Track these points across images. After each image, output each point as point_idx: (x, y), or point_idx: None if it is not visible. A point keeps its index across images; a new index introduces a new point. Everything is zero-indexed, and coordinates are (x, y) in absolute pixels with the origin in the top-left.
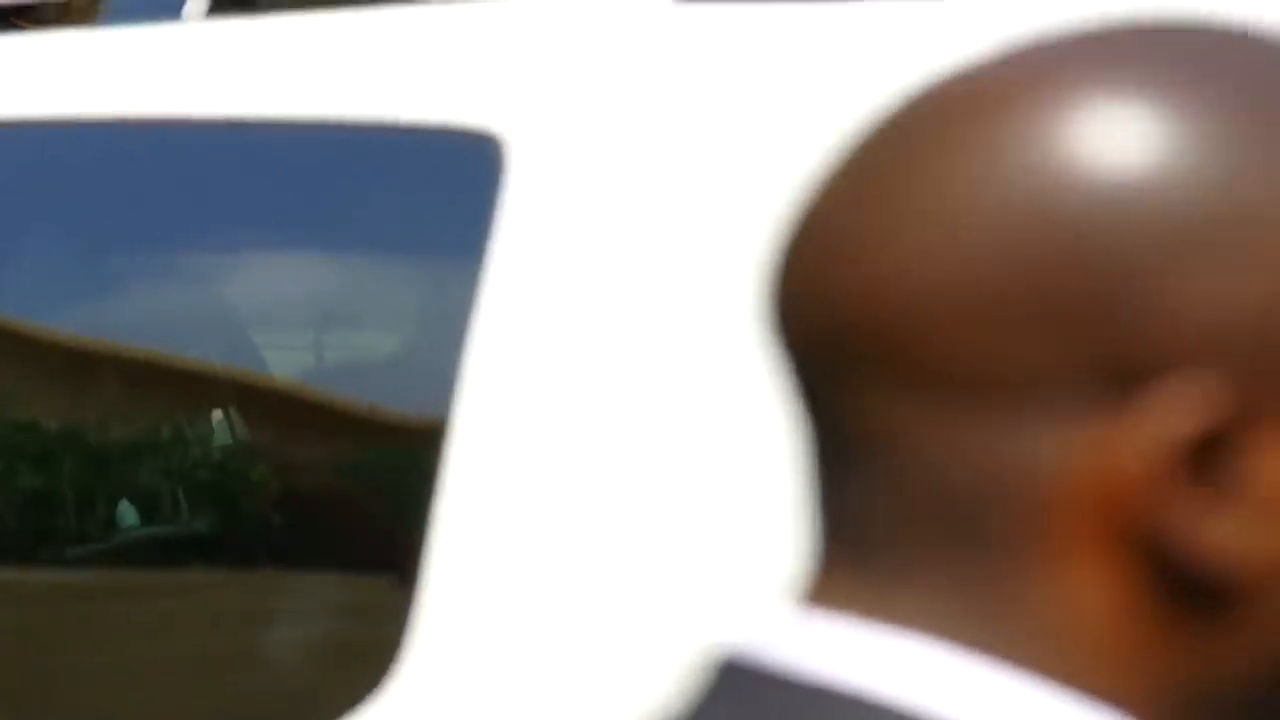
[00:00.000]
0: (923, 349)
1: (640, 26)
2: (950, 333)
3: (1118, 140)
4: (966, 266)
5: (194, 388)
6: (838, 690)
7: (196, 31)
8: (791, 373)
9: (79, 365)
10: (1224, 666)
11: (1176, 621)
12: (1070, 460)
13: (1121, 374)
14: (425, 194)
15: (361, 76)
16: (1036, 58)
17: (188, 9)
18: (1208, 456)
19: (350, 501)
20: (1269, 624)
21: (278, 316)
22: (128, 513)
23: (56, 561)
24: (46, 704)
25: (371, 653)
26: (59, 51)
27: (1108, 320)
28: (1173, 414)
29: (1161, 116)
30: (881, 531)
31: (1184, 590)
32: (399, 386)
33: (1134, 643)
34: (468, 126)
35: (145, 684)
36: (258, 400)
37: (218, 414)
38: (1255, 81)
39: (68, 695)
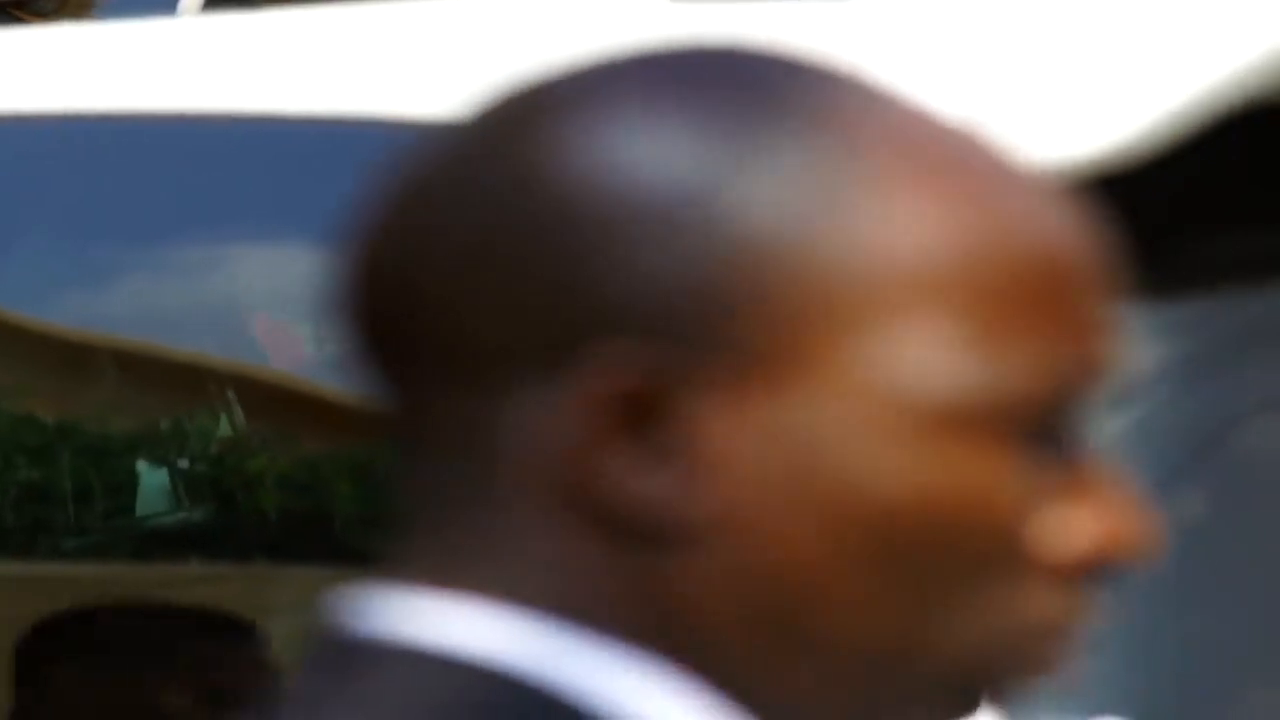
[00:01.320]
0: (444, 329)
1: (638, 26)
2: (444, 316)
3: (587, 146)
4: (469, 251)
5: (192, 380)
6: (380, 646)
7: (193, 26)
8: (364, 360)
9: (79, 357)
10: (694, 602)
11: (639, 565)
12: (531, 423)
13: (558, 346)
14: None
15: (358, 71)
16: (591, 75)
17: (183, 3)
18: (639, 418)
19: (347, 495)
20: (719, 566)
21: (274, 308)
22: (125, 505)
23: (54, 554)
24: None
25: None
26: (55, 46)
27: (548, 297)
28: (598, 378)
29: (631, 128)
30: (428, 504)
31: (631, 537)
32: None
33: (608, 582)
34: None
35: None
36: (256, 392)
37: (216, 406)
38: (741, 90)
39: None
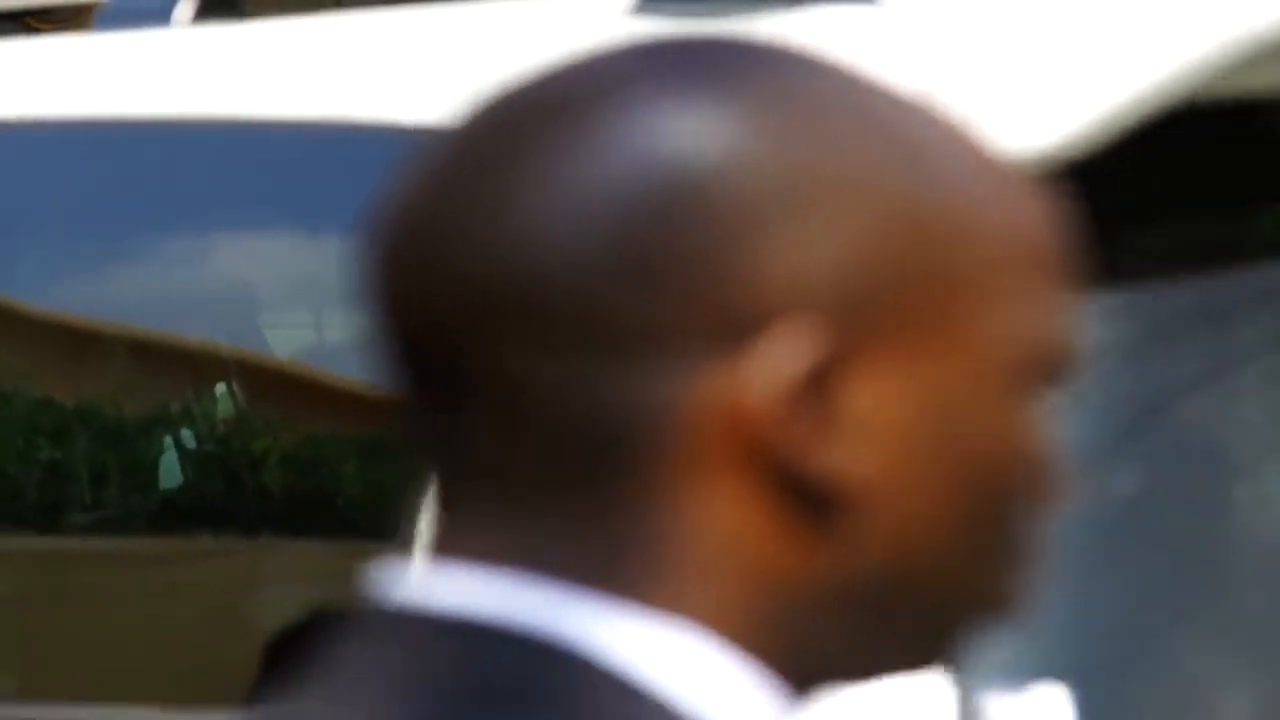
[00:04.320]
0: (555, 309)
1: (598, 34)
2: (575, 294)
3: (700, 130)
4: (587, 238)
5: (200, 365)
6: (457, 623)
7: (185, 36)
8: (405, 343)
9: (91, 344)
10: (836, 564)
11: (791, 530)
12: (694, 400)
13: (733, 324)
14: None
15: (342, 77)
16: (622, 62)
17: (176, 14)
18: (817, 390)
19: (347, 473)
20: (873, 531)
21: (281, 298)
22: (139, 483)
23: (72, 529)
24: (57, 663)
25: None
26: (61, 55)
27: (711, 279)
28: (780, 356)
29: (733, 113)
30: (508, 479)
31: (803, 507)
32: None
33: (756, 549)
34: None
35: (150, 645)
36: (259, 376)
37: (221, 389)
38: (801, 85)
39: (74, 657)
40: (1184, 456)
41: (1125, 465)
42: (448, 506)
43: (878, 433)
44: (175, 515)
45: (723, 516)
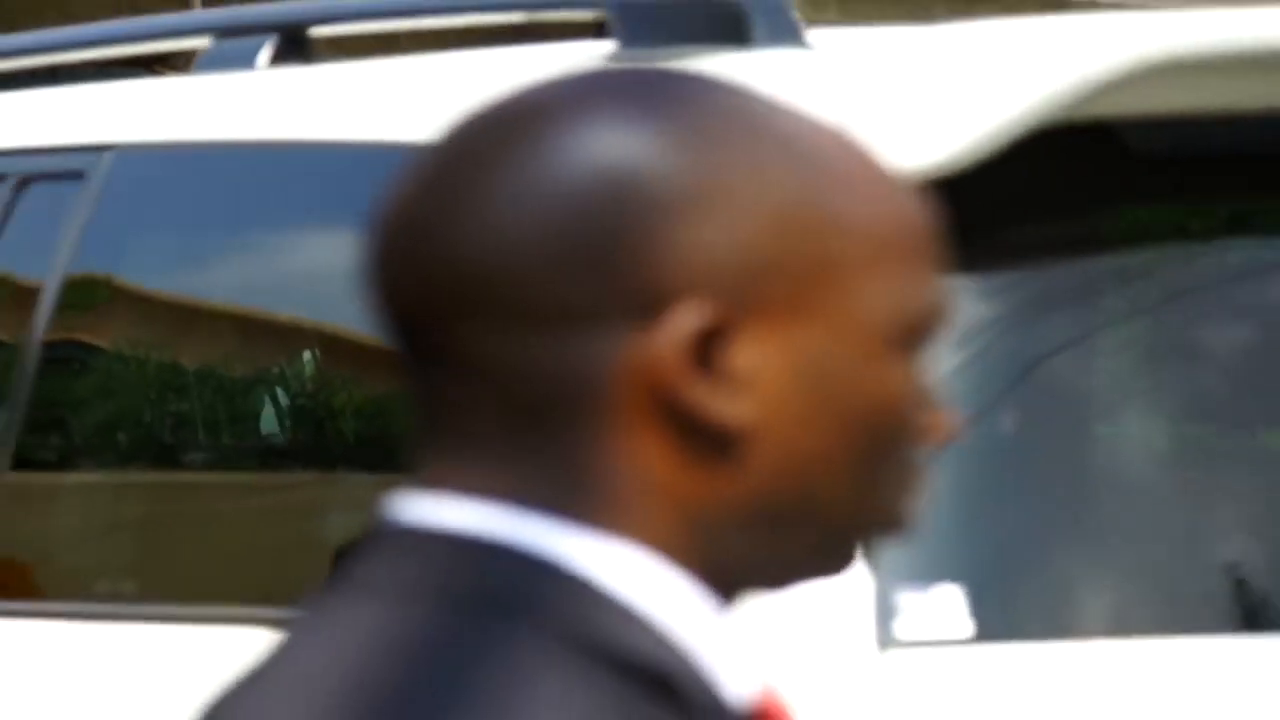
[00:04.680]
0: (506, 292)
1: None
2: (524, 280)
3: (624, 146)
4: (533, 234)
5: (292, 336)
6: (452, 538)
7: (265, 77)
8: (394, 320)
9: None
10: (739, 490)
11: (700, 463)
12: (619, 362)
13: (646, 302)
14: None
15: (389, 107)
16: (565, 89)
17: (258, 60)
18: (709, 353)
19: (406, 422)
20: (765, 463)
21: (352, 282)
22: (245, 429)
23: (192, 466)
24: (173, 571)
25: None
26: (177, 91)
27: (629, 267)
28: (680, 326)
29: (652, 132)
30: (479, 430)
31: (706, 445)
32: None
33: (674, 480)
34: None
35: (248, 557)
36: (337, 345)
37: (307, 355)
38: (713, 107)
39: (187, 566)
40: (1057, 401)
41: (1012, 409)
42: (434, 450)
43: (761, 386)
44: (271, 455)
45: (646, 455)
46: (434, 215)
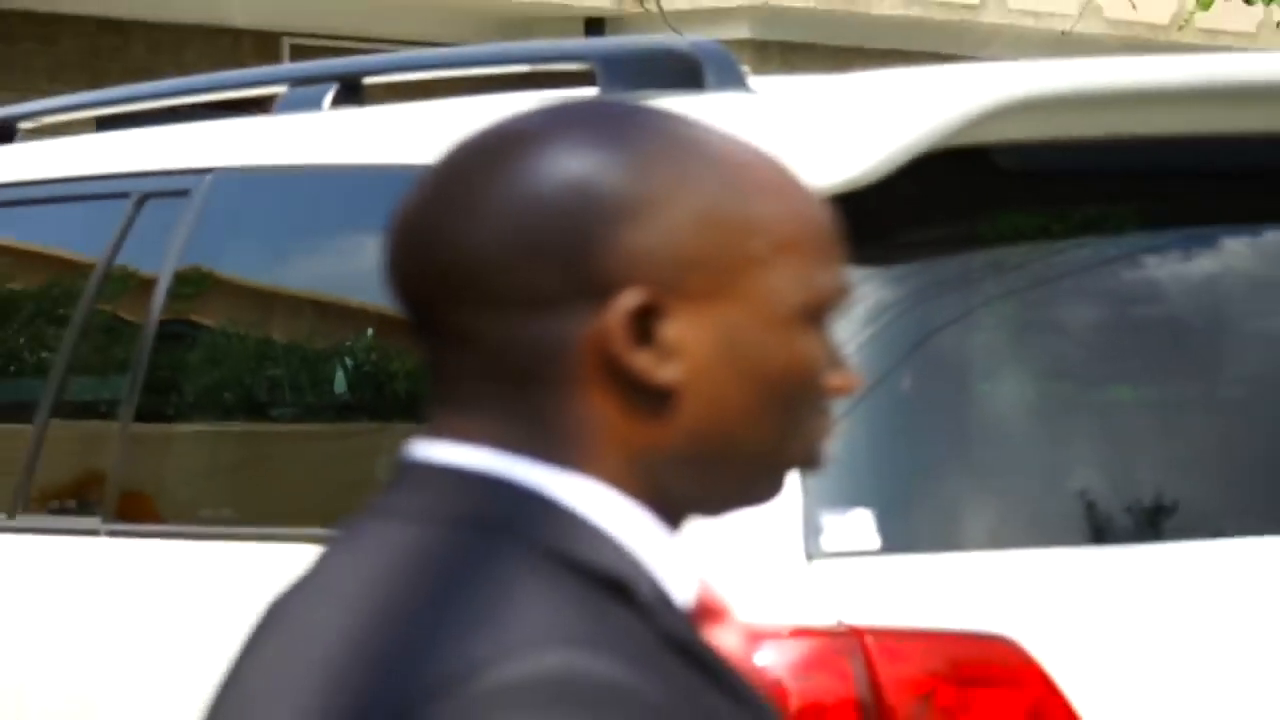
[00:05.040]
0: (492, 282)
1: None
2: (506, 272)
3: (584, 163)
4: (513, 235)
5: (357, 317)
6: (459, 473)
7: (328, 117)
8: (407, 305)
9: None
10: (674, 436)
11: (642, 415)
12: (579, 337)
13: (599, 288)
14: None
15: (428, 138)
16: (539, 117)
17: (324, 103)
18: (646, 328)
19: None
20: (695, 414)
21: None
22: (321, 391)
23: (278, 418)
24: (263, 501)
25: None
26: (262, 128)
27: (585, 260)
28: (623, 308)
29: (605, 151)
30: (475, 391)
31: (643, 398)
32: None
33: (625, 429)
34: None
35: (329, 493)
36: (392, 324)
37: (369, 330)
38: (657, 132)
39: (273, 497)
40: (946, 365)
41: (910, 372)
42: (441, 407)
43: (689, 353)
44: (343, 410)
45: (602, 409)
46: (435, 220)
